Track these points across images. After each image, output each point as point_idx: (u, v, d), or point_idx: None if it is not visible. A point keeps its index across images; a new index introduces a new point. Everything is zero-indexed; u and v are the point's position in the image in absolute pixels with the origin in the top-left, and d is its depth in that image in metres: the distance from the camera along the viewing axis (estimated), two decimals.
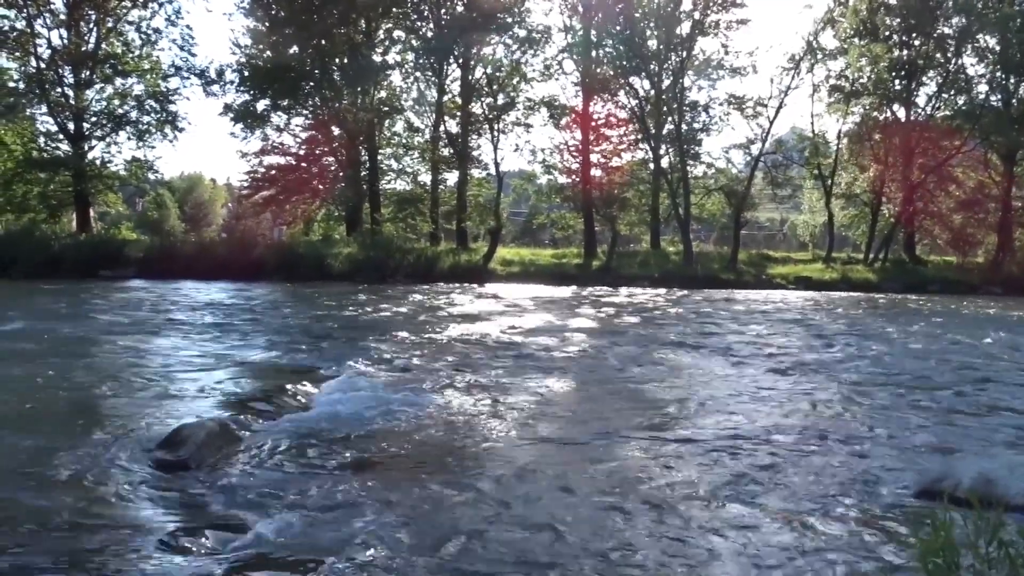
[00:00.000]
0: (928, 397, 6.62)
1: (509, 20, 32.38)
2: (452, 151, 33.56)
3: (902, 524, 3.46)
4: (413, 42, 33.31)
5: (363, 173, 32.63)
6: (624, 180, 35.56)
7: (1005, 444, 5.00)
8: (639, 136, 35.13)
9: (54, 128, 29.84)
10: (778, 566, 2.98)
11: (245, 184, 34.62)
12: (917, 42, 34.66)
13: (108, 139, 30.78)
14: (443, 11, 32.80)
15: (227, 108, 31.24)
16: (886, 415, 5.87)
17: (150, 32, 30.84)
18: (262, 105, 31.72)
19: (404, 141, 35.47)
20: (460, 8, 32.41)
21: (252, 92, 31.20)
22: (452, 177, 35.46)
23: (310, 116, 32.71)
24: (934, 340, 11.36)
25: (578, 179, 34.92)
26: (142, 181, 33.59)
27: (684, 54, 33.41)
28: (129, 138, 31.29)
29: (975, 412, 6.07)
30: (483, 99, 32.87)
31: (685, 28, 33.33)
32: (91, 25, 29.87)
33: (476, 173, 35.71)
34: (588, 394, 6.66)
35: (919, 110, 35.83)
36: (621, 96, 34.83)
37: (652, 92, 34.23)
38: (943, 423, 5.61)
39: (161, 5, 30.51)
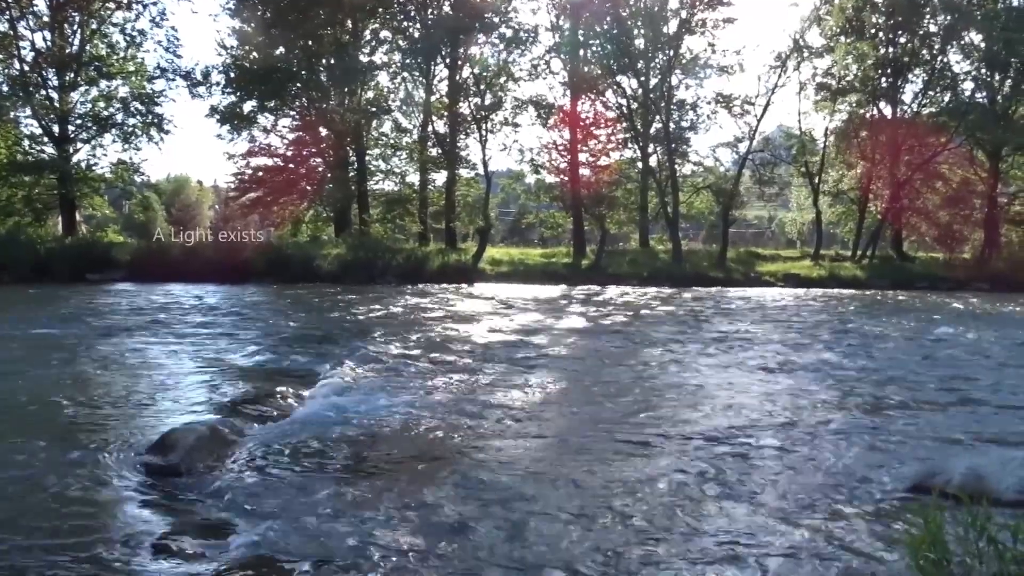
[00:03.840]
0: (918, 393, 6.65)
1: (496, 20, 32.37)
2: (440, 151, 33.52)
3: (893, 520, 3.47)
4: (400, 42, 33.25)
5: (351, 174, 32.55)
6: (612, 179, 35.58)
7: (995, 440, 5.03)
8: (627, 135, 35.18)
9: (38, 131, 29.63)
10: (770, 562, 2.99)
11: (232, 186, 34.48)
12: (903, 39, 34.84)
13: (93, 142, 30.58)
14: (430, 11, 32.74)
15: (213, 110, 31.12)
16: (876, 411, 5.90)
17: (135, 34, 30.66)
18: (248, 106, 31.61)
19: (392, 141, 35.40)
20: (447, 8, 32.37)
21: (238, 93, 31.07)
22: (440, 177, 35.44)
23: (297, 117, 32.61)
24: (923, 336, 11.42)
25: (566, 178, 34.92)
26: (128, 184, 33.35)
27: (671, 53, 33.44)
28: (114, 140, 31.10)
29: (965, 408, 6.10)
30: (471, 99, 32.84)
31: (672, 27, 33.38)
32: (75, 27, 29.66)
33: (464, 173, 35.67)
34: (579, 393, 6.66)
35: (905, 107, 36.02)
36: (609, 95, 34.88)
37: (640, 91, 34.25)
38: (933, 419, 5.64)
39: (146, 7, 30.33)
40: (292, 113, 32.71)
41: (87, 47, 29.84)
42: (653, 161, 35.42)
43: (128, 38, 30.69)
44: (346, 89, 31.24)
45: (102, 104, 30.54)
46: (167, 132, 31.26)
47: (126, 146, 31.15)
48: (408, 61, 33.24)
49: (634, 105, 34.55)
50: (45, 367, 7.33)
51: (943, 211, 36.11)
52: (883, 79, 35.34)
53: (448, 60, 32.65)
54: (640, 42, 33.90)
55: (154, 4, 30.32)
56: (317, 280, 23.02)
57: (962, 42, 34.22)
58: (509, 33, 32.88)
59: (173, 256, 24.03)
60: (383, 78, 34.44)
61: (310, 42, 30.58)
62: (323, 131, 31.48)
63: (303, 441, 4.73)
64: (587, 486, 3.97)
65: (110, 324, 11.26)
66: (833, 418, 5.63)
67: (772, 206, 50.65)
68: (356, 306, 15.47)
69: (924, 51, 34.70)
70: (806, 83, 36.23)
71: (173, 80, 31.36)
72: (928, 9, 33.81)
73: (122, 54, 30.74)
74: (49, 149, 29.62)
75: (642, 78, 33.96)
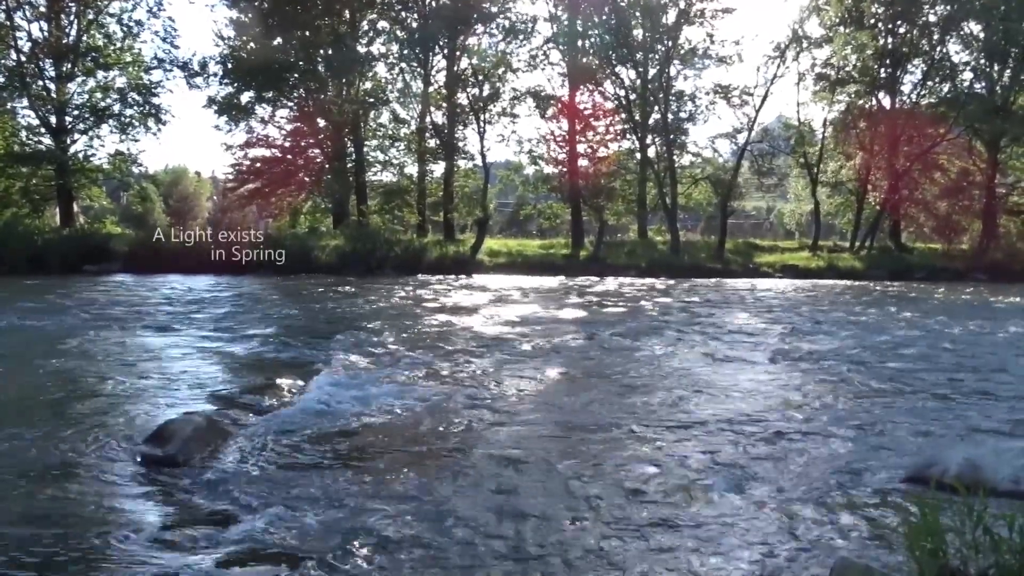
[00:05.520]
0: (915, 384, 6.66)
1: (494, 10, 32.25)
2: (438, 142, 33.45)
3: (890, 510, 3.48)
4: (398, 33, 33.12)
5: (349, 165, 32.49)
6: (611, 170, 35.53)
7: (991, 430, 5.03)
8: (626, 126, 35.10)
9: (35, 122, 29.54)
10: (765, 554, 2.99)
11: (230, 177, 34.40)
12: (902, 30, 34.76)
13: (91, 133, 30.46)
14: (427, 1, 32.63)
15: (211, 101, 31.03)
16: (874, 402, 5.90)
17: (132, 24, 30.51)
18: (246, 97, 31.52)
19: (390, 132, 35.31)
20: None
21: (236, 84, 30.97)
22: (438, 168, 35.38)
23: (295, 108, 32.51)
24: (920, 327, 11.43)
25: (565, 169, 34.87)
26: (126, 175, 33.25)
27: (670, 43, 33.35)
28: (112, 131, 30.99)
29: (962, 399, 6.11)
30: (469, 90, 32.74)
31: (671, 17, 33.27)
32: (72, 17, 29.51)
33: (462, 164, 35.60)
34: (577, 384, 6.66)
35: (904, 98, 35.97)
36: (607, 86, 34.81)
37: (638, 82, 34.18)
38: (930, 410, 5.65)
39: None
40: (290, 104, 32.61)
41: (84, 37, 29.70)
42: (652, 152, 35.38)
43: (125, 28, 30.56)
44: (344, 80, 31.15)
45: (99, 95, 30.43)
46: (164, 123, 31.19)
47: (123, 137, 31.07)
48: (406, 52, 33.10)
49: (632, 96, 34.46)
50: (42, 358, 7.32)
51: (941, 202, 36.09)
52: (882, 69, 35.25)
53: (446, 51, 32.53)
54: (639, 33, 33.79)
55: None
56: (316, 272, 23.01)
57: (961, 32, 34.16)
58: (507, 24, 32.80)
59: (170, 247, 23.92)
60: (381, 69, 34.34)
61: (307, 33, 30.47)
62: (321, 122, 31.40)
63: (301, 432, 4.73)
64: (585, 477, 3.97)
65: (107, 315, 11.24)
66: (830, 409, 5.64)
67: (771, 197, 50.60)
68: (354, 297, 15.46)
69: (923, 41, 34.62)
70: (805, 73, 36.16)
71: (170, 71, 31.23)
72: None
73: (119, 44, 30.58)
74: (46, 140, 29.51)
75: (641, 69, 33.88)
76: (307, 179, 32.63)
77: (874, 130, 34.87)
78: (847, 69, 35.50)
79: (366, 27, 33.16)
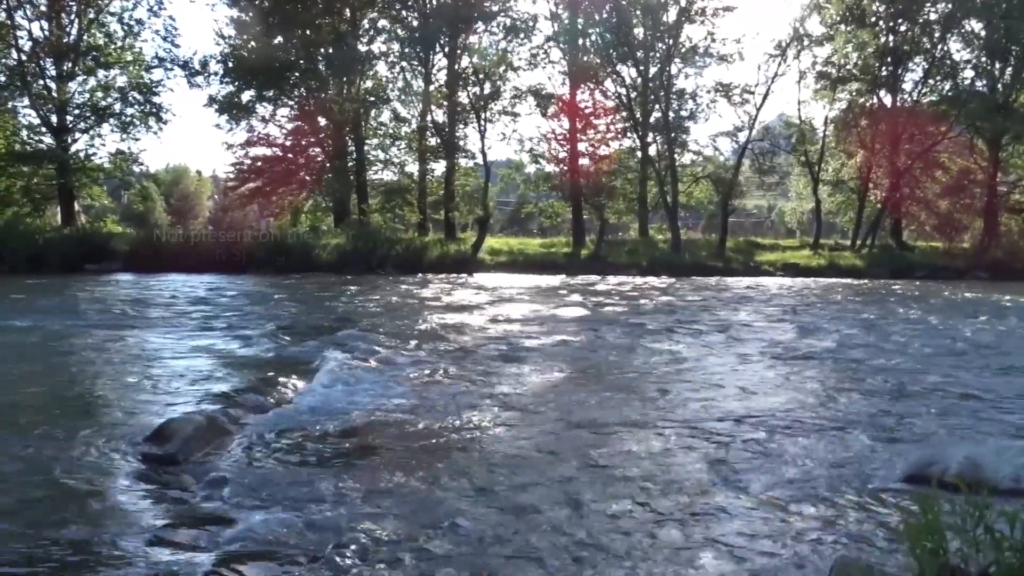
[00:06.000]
0: (916, 383, 6.65)
1: (495, 9, 32.27)
2: (439, 141, 33.46)
3: (891, 509, 3.47)
4: (399, 32, 33.15)
5: (350, 164, 32.52)
6: (612, 168, 35.55)
7: (992, 429, 5.02)
8: (627, 124, 35.12)
9: (36, 121, 29.63)
10: (765, 552, 2.99)
11: (231, 176, 34.45)
12: (903, 27, 34.76)
13: (92, 132, 30.57)
14: (428, 0, 32.65)
15: (212, 99, 31.06)
16: (874, 401, 5.89)
17: (132, 23, 30.63)
18: (247, 96, 31.58)
19: (391, 131, 35.34)
20: None
21: (237, 83, 31.01)
22: (439, 167, 35.42)
23: (296, 107, 32.54)
24: (921, 326, 11.42)
25: (566, 168, 34.88)
26: (127, 174, 33.32)
27: (671, 41, 33.36)
28: (113, 130, 31.15)
29: (963, 397, 6.10)
30: (470, 88, 32.74)
31: (671, 15, 33.29)
32: (72, 16, 29.58)
33: (463, 162, 35.64)
34: (577, 383, 6.65)
35: (905, 96, 35.96)
36: (608, 84, 34.83)
37: (639, 80, 34.20)
38: (931, 408, 5.64)
39: None
40: (291, 103, 32.66)
41: (85, 36, 29.75)
42: (652, 150, 35.39)
43: (126, 27, 30.66)
44: (345, 79, 31.18)
45: (100, 94, 30.52)
46: (165, 122, 31.29)
47: (124, 136, 31.19)
48: (407, 50, 33.15)
49: (633, 94, 34.49)
50: (42, 357, 7.32)
51: (943, 200, 36.10)
52: (883, 67, 35.26)
53: (447, 49, 32.55)
54: (639, 31, 33.81)
55: None
56: (316, 270, 23.02)
57: (962, 30, 34.16)
58: (508, 22, 32.82)
59: (171, 246, 23.99)
60: (382, 67, 34.40)
61: (308, 31, 30.50)
62: (322, 121, 31.43)
63: (301, 431, 4.73)
64: (587, 475, 3.97)
65: (108, 314, 11.25)
66: (830, 407, 5.63)
67: (772, 195, 50.62)
68: (355, 296, 15.46)
69: (924, 39, 34.64)
70: (806, 72, 36.21)
71: (171, 70, 31.36)
72: None
73: (120, 43, 30.66)
74: (47, 139, 29.60)
75: (641, 67, 33.91)
76: (308, 178, 32.68)
77: (875, 128, 34.87)
78: (848, 67, 35.52)
79: (367, 26, 33.20)
